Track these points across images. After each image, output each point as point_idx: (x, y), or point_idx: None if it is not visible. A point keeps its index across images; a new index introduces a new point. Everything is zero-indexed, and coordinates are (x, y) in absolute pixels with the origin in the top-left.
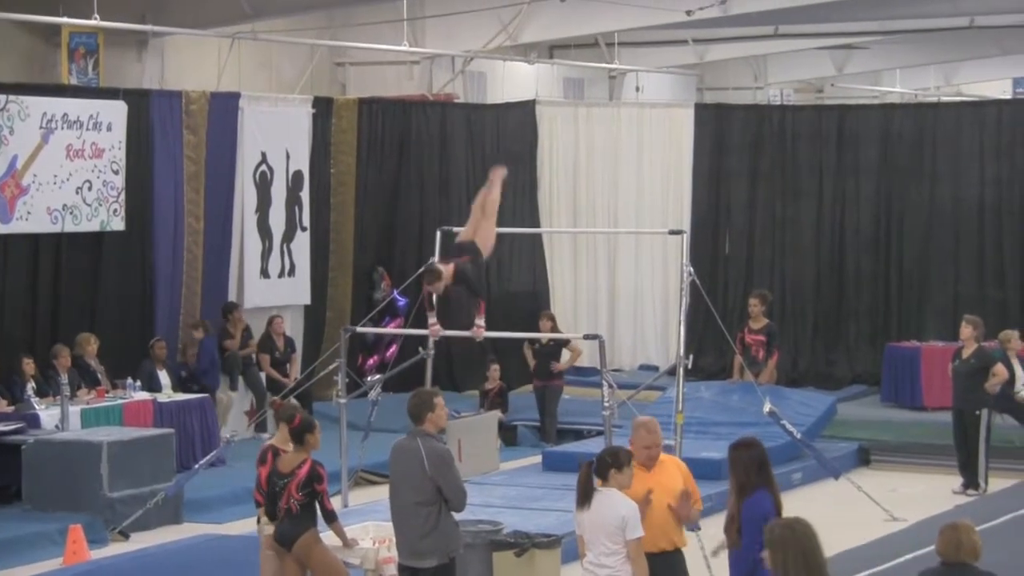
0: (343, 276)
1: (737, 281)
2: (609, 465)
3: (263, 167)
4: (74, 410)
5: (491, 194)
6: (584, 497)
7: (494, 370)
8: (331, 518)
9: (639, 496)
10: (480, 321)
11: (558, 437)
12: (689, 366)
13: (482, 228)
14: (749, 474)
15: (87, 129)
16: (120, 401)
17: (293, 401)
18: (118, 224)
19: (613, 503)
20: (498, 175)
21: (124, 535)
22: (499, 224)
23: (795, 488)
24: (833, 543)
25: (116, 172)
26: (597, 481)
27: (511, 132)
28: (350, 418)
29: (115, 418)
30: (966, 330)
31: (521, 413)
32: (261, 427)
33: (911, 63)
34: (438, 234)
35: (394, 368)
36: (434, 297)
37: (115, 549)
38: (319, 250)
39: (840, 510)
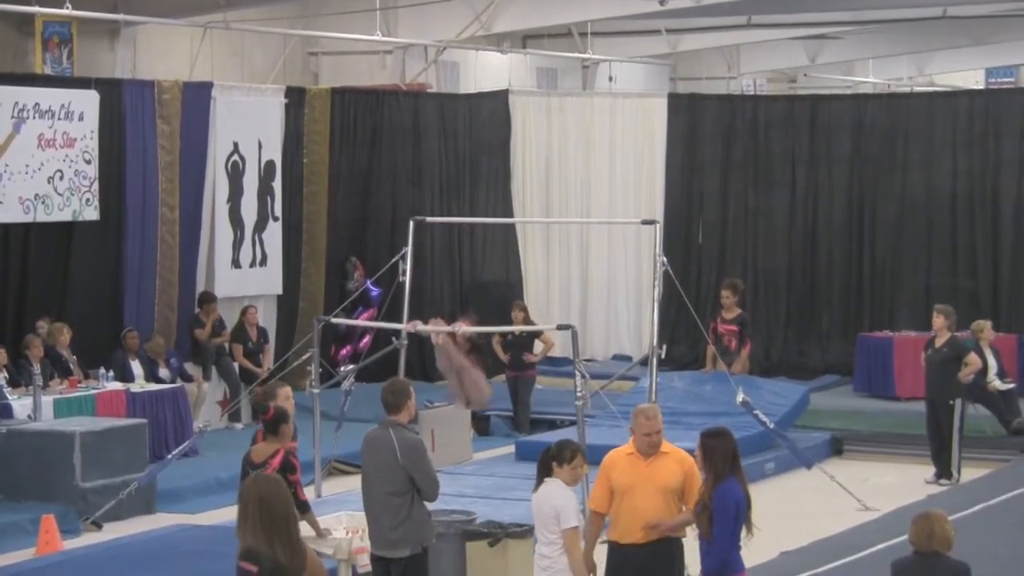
0: (316, 266)
1: (710, 271)
2: (552, 458)
3: (235, 157)
4: (46, 400)
5: (449, 352)
6: (538, 483)
7: None
8: (304, 508)
9: (630, 485)
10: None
11: (531, 427)
12: (662, 356)
13: (466, 383)
14: (725, 463)
15: (59, 119)
16: (92, 391)
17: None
18: (91, 214)
19: (551, 493)
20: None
21: (97, 525)
22: (472, 214)
23: (768, 478)
24: (805, 532)
25: (88, 162)
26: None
27: (484, 122)
28: (323, 408)
29: (87, 408)
30: (938, 320)
31: (494, 403)
32: (235, 417)
33: (884, 53)
34: (411, 224)
35: (367, 358)
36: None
37: (88, 539)
38: (292, 240)
39: (813, 500)
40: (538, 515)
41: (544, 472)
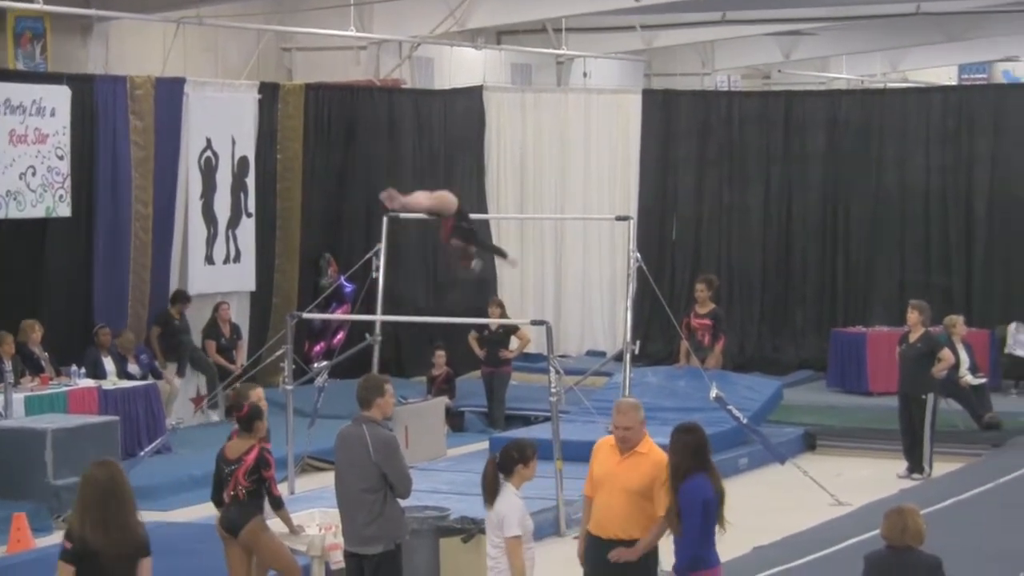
0: (289, 262)
1: (684, 267)
2: (516, 460)
3: (208, 153)
4: (18, 397)
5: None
6: (491, 495)
7: (439, 356)
8: (278, 505)
9: (602, 480)
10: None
11: (506, 423)
12: (636, 352)
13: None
14: (685, 458)
15: (30, 114)
16: (64, 388)
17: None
18: (64, 210)
19: (499, 499)
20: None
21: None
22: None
23: (741, 473)
24: (779, 527)
25: (61, 158)
26: (502, 476)
27: (458, 118)
28: (297, 404)
29: (59, 405)
30: (912, 315)
31: (468, 399)
32: (212, 405)
33: (858, 49)
34: (385, 220)
35: (341, 354)
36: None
37: (60, 537)
38: (265, 236)
39: (786, 495)
40: (488, 519)
41: (495, 483)
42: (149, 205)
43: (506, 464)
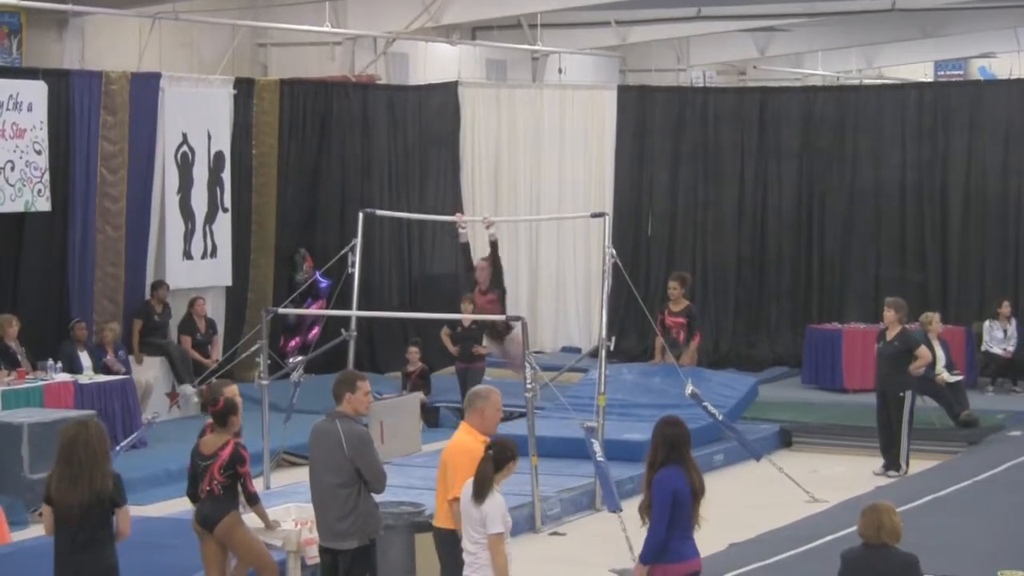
0: (265, 258)
1: (659, 263)
2: (510, 458)
3: (184, 148)
4: None
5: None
6: (480, 494)
7: (412, 352)
8: (253, 500)
9: None
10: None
11: None
12: (611, 348)
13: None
14: (658, 450)
15: (7, 109)
16: (41, 383)
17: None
18: (43, 205)
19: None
20: None
21: None
22: (421, 206)
23: (716, 469)
24: (754, 524)
25: (39, 152)
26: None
27: (433, 114)
28: (272, 399)
29: (36, 400)
30: (888, 314)
31: (443, 395)
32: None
33: (833, 46)
34: (360, 216)
35: (316, 350)
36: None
37: (36, 531)
38: (241, 231)
39: (761, 491)
40: (466, 515)
41: (488, 481)
42: (120, 200)
43: (502, 461)
